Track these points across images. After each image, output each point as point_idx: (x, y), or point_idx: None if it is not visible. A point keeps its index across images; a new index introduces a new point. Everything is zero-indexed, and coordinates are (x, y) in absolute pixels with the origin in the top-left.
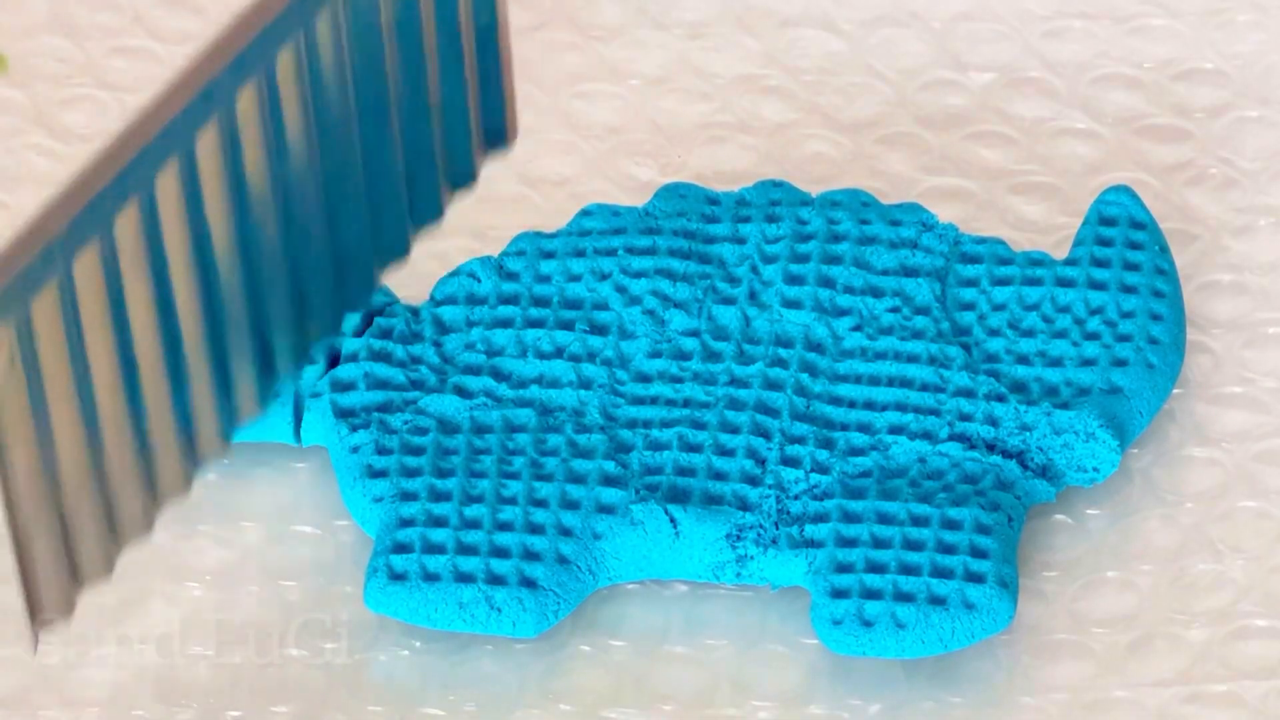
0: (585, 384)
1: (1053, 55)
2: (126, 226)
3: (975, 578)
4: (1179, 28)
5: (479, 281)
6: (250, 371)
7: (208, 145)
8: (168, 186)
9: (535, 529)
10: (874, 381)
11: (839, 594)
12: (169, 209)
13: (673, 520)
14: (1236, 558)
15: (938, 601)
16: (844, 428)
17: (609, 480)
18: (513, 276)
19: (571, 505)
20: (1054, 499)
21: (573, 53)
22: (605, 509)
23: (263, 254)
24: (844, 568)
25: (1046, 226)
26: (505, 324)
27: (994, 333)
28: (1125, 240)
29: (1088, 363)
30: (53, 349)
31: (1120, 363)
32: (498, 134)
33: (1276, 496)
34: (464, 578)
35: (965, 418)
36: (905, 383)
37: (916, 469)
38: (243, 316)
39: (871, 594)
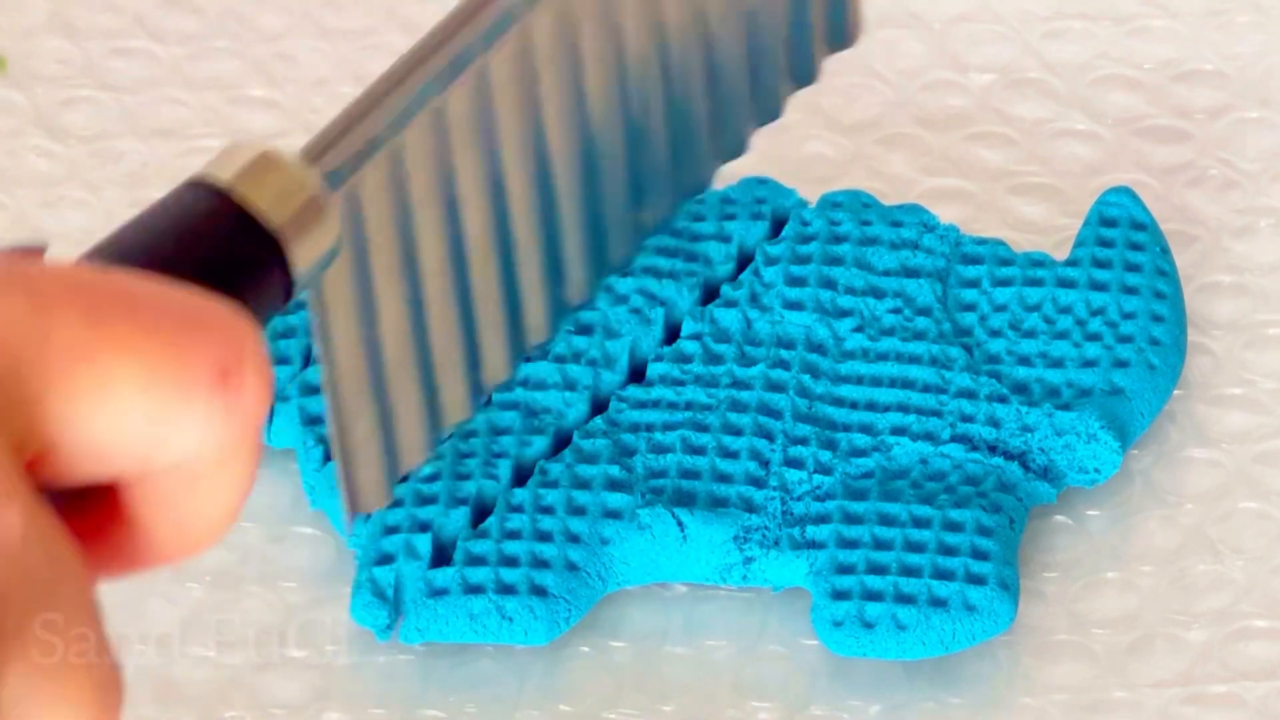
0: (570, 385)
1: (1053, 56)
2: (460, 101)
3: (976, 580)
4: (1179, 29)
5: None
6: (581, 259)
7: (544, 25)
8: (502, 63)
9: (543, 536)
10: (876, 382)
11: (840, 595)
12: (502, 87)
13: (680, 524)
14: (1237, 559)
15: (939, 603)
16: (846, 429)
17: (614, 485)
18: None
19: (578, 511)
20: (1055, 500)
21: None
22: (612, 514)
23: (599, 139)
24: (845, 569)
25: (1047, 227)
26: None
27: (995, 334)
28: (1126, 241)
29: (1089, 364)
30: (380, 224)
31: (1122, 364)
32: (839, 32)
33: (1277, 498)
34: (473, 589)
35: (967, 419)
36: (907, 384)
37: (918, 470)
38: (575, 203)
39: (872, 595)
